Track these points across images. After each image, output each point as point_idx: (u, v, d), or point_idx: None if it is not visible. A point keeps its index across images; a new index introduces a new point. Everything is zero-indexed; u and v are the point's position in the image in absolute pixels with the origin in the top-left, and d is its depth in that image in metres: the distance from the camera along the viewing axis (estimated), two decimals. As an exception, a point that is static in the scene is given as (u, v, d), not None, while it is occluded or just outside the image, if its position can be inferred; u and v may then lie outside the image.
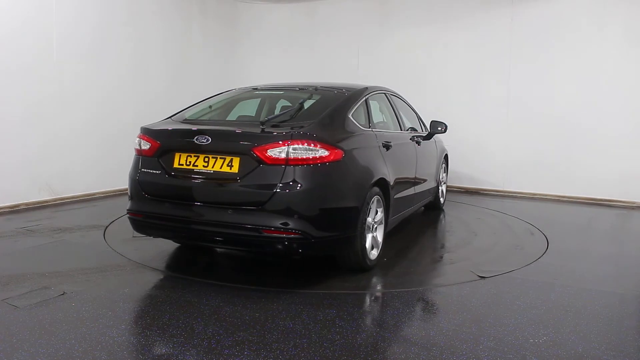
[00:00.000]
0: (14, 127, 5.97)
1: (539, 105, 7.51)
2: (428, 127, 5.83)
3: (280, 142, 3.39)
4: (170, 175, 3.69)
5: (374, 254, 4.05)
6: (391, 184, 4.29)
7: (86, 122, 6.74)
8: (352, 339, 2.84)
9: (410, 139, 5.19)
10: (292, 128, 3.54)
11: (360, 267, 3.91)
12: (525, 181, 7.70)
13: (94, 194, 6.86)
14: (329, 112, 3.90)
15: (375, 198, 3.98)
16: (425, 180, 5.58)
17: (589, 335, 2.93)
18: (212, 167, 3.55)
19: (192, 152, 3.63)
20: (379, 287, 3.82)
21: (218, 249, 4.57)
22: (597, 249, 4.95)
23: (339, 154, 3.57)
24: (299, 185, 3.37)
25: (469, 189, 8.12)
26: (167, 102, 7.24)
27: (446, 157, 6.72)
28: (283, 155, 3.37)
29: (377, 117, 4.92)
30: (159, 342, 2.76)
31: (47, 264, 4.08)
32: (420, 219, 6.05)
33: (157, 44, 7.77)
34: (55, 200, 6.45)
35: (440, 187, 6.43)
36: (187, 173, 3.62)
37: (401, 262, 4.30)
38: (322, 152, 3.45)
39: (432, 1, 8.16)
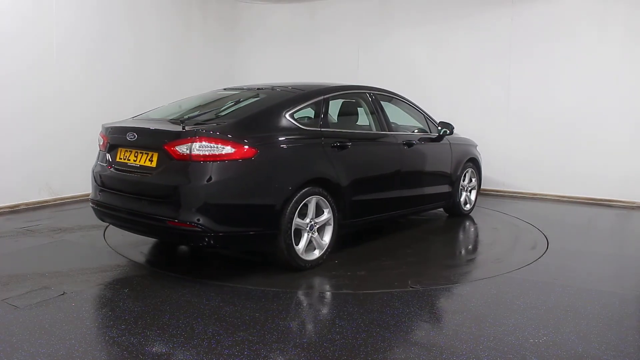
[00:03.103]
0: (14, 127, 5.97)
1: (539, 105, 7.50)
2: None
3: (185, 139, 3.57)
4: (113, 168, 4.04)
5: (315, 254, 4.05)
6: (344, 185, 4.24)
7: (86, 122, 6.73)
8: (352, 339, 2.84)
9: (396, 141, 4.98)
10: (217, 125, 3.77)
11: (290, 266, 3.91)
12: (525, 181, 7.69)
13: (94, 194, 6.86)
14: (257, 111, 4.07)
15: (313, 198, 3.97)
16: (425, 185, 5.42)
17: (589, 335, 2.93)
18: (139, 162, 3.85)
19: (128, 148, 3.97)
20: (314, 287, 3.74)
21: (214, 249, 4.58)
22: (597, 249, 4.95)
23: (249, 152, 3.63)
24: (199, 180, 3.52)
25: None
26: (166, 102, 7.23)
27: (473, 161, 6.25)
28: (187, 152, 3.55)
29: (341, 117, 4.94)
30: (159, 342, 2.76)
31: (47, 264, 4.08)
32: (424, 223, 6.04)
33: (156, 44, 7.77)
34: (55, 200, 6.45)
35: (464, 193, 6.10)
36: (124, 166, 3.96)
37: (350, 266, 4.17)
38: (227, 150, 3.57)
39: (432, 1, 8.15)
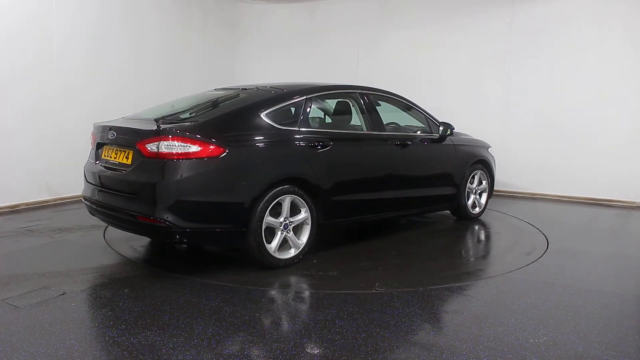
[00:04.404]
0: (14, 127, 5.97)
1: (539, 106, 7.51)
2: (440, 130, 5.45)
3: (154, 137, 3.69)
4: (99, 165, 4.21)
5: (290, 253, 4.08)
6: (324, 184, 4.24)
7: (86, 122, 6.67)
8: (352, 339, 2.84)
9: (387, 141, 4.90)
10: (188, 125, 3.91)
11: (261, 264, 3.95)
12: (525, 181, 7.69)
13: (94, 194, 6.86)
14: (228, 111, 4.18)
15: (287, 197, 3.99)
16: (423, 186, 5.32)
17: (589, 335, 2.93)
18: (118, 159, 4.00)
19: (111, 146, 4.13)
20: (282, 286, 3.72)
21: (211, 248, 4.58)
22: (597, 249, 4.95)
23: (216, 150, 3.70)
24: (166, 177, 3.63)
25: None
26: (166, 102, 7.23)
27: (483, 162, 6.04)
28: (156, 150, 3.66)
29: (326, 117, 4.94)
30: (159, 342, 2.76)
31: (47, 264, 4.08)
32: (427, 225, 6.02)
33: (156, 44, 7.76)
34: (55, 200, 6.44)
35: (472, 196, 5.91)
36: (107, 163, 4.12)
37: (326, 265, 4.15)
38: (194, 148, 3.65)
39: (432, 1, 8.15)
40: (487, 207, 6.20)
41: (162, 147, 3.63)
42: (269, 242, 3.94)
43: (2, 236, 4.85)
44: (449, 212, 6.01)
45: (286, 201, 4.00)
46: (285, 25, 9.25)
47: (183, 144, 3.64)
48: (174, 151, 3.63)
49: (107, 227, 5.12)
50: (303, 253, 4.16)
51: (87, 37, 6.69)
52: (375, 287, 3.67)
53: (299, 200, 4.09)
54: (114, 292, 3.51)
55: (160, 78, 7.77)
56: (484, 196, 6.16)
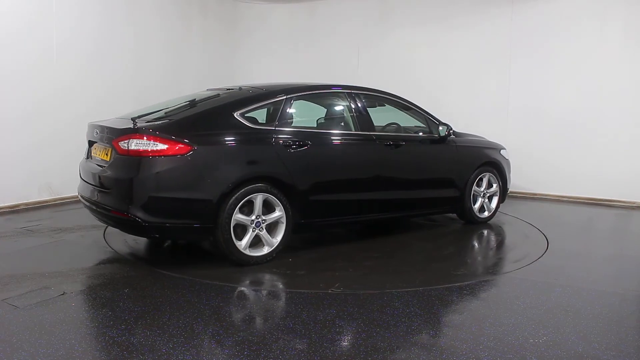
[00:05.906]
0: (14, 127, 5.97)
1: (539, 105, 7.50)
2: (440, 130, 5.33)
3: (126, 136, 3.86)
4: (89, 162, 4.40)
5: (263, 251, 4.12)
6: (300, 184, 4.24)
7: (86, 122, 6.68)
8: (352, 339, 2.85)
9: (375, 141, 4.81)
10: (159, 123, 4.02)
11: (230, 260, 4.02)
12: (526, 181, 7.68)
13: (94, 194, 6.85)
14: (201, 111, 4.31)
15: (259, 195, 4.03)
16: (418, 188, 5.17)
17: (589, 335, 2.93)
18: (101, 156, 4.18)
19: (97, 144, 4.32)
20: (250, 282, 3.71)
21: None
22: (597, 249, 4.95)
23: (183, 149, 3.82)
24: (134, 173, 3.79)
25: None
26: (167, 102, 7.22)
27: (493, 164, 5.75)
28: (126, 147, 3.83)
29: (309, 117, 4.96)
30: (159, 342, 2.76)
31: (47, 264, 4.08)
32: (428, 228, 5.99)
33: (157, 44, 7.76)
34: (55, 200, 6.44)
35: (479, 199, 5.63)
36: (94, 161, 4.32)
37: (298, 264, 4.14)
38: (161, 146, 3.79)
39: (432, 0, 8.15)
40: (498, 211, 5.93)
41: (132, 144, 3.79)
42: (241, 239, 4.00)
43: (2, 236, 4.85)
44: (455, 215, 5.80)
45: (258, 199, 4.04)
46: (285, 25, 9.25)
47: (152, 142, 3.78)
48: (143, 149, 3.77)
49: (107, 227, 5.12)
50: (277, 251, 4.17)
51: (87, 37, 6.69)
52: (331, 289, 3.64)
53: (273, 199, 4.11)
54: (114, 292, 3.51)
55: (160, 78, 7.76)
56: (494, 200, 5.85)
